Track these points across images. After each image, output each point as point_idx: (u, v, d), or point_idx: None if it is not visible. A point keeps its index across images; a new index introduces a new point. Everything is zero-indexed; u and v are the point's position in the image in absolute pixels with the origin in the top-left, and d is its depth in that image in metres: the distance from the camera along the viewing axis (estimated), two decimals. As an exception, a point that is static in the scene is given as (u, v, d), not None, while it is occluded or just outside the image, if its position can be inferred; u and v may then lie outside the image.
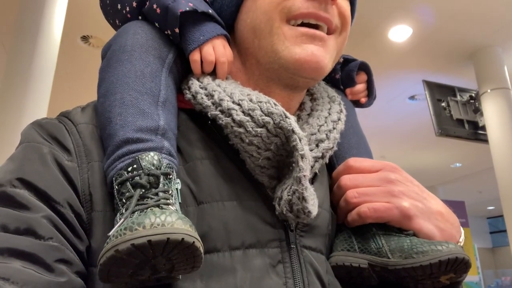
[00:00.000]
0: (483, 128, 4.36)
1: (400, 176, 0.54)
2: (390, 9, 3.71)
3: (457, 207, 5.52)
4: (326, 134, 0.53)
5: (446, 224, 0.52)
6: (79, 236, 0.42)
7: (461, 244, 0.53)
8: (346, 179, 0.54)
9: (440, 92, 4.46)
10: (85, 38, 4.07)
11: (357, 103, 0.69)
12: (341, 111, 0.58)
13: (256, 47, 0.53)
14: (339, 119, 0.56)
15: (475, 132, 4.47)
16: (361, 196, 0.52)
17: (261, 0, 0.51)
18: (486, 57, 4.26)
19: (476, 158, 6.94)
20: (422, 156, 7.42)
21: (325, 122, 0.55)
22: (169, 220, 0.37)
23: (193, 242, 0.37)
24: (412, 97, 5.31)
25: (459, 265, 0.47)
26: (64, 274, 0.39)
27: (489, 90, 4.23)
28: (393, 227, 0.51)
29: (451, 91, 4.55)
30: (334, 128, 0.55)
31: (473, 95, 4.54)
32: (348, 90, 0.68)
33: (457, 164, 7.89)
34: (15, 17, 2.90)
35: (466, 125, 4.45)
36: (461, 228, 0.55)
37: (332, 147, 0.54)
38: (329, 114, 0.56)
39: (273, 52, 0.51)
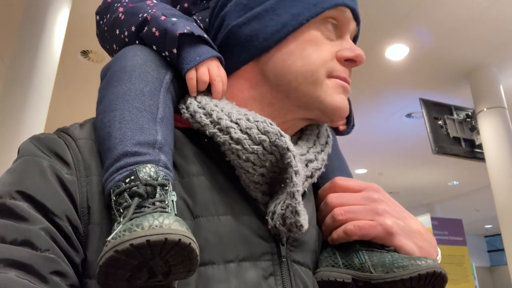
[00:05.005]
0: (480, 146, 4.38)
1: (382, 196, 0.57)
2: (387, 28, 3.77)
3: (454, 225, 5.49)
4: (315, 155, 0.57)
5: (425, 243, 0.56)
6: (75, 248, 0.43)
7: (438, 262, 0.56)
8: (332, 197, 0.57)
9: (436, 110, 4.49)
10: (85, 53, 4.11)
11: (336, 130, 0.74)
12: (328, 136, 0.62)
13: (293, 88, 0.56)
14: (326, 143, 0.60)
15: (472, 150, 4.49)
16: (347, 213, 0.54)
17: (309, 51, 0.55)
18: (482, 76, 4.31)
19: (473, 176, 6.95)
20: (419, 174, 7.43)
21: (314, 145, 0.58)
22: (166, 222, 0.38)
23: (190, 243, 0.38)
24: (409, 115, 5.34)
25: (437, 279, 0.49)
26: (58, 286, 0.39)
27: (485, 109, 4.27)
28: (375, 243, 0.54)
29: (447, 109, 4.58)
30: (322, 151, 0.58)
31: (470, 113, 4.58)
32: None
33: (454, 182, 7.90)
34: (16, 31, 2.93)
35: (463, 143, 4.47)
36: (438, 248, 0.59)
37: (320, 168, 0.57)
38: (318, 137, 0.60)
39: (315, 97, 0.56)
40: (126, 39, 0.58)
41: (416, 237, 0.55)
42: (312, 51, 0.55)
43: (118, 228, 0.39)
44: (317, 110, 0.57)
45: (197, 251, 0.40)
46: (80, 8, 3.35)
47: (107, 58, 0.59)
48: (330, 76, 0.56)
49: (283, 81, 0.56)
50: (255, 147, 0.50)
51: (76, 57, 4.15)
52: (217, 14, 0.60)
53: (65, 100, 4.83)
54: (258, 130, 0.50)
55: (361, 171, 7.30)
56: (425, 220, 5.32)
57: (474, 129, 4.47)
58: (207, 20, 0.63)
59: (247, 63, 0.58)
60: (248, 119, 0.51)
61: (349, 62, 0.58)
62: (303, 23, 0.55)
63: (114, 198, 0.43)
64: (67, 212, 0.43)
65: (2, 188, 0.42)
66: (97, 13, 0.64)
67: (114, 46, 0.61)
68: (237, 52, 0.57)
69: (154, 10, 0.57)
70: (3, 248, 0.38)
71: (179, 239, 0.37)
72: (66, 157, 0.47)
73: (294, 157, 0.49)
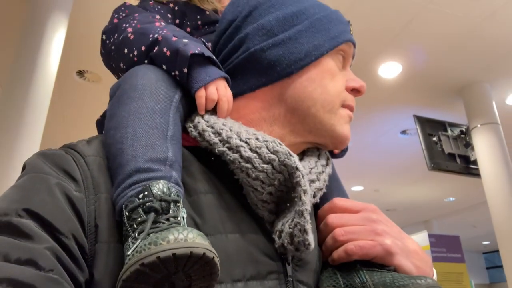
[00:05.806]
0: (475, 162, 4.41)
1: (380, 216, 0.59)
2: (380, 47, 3.83)
3: (452, 242, 5.45)
4: (317, 176, 0.58)
5: (422, 262, 0.57)
6: (80, 267, 0.43)
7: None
8: (333, 218, 0.58)
9: (431, 127, 4.53)
10: (80, 73, 4.13)
11: (331, 153, 0.76)
12: (328, 158, 0.64)
13: (311, 114, 0.59)
14: (327, 164, 0.62)
15: (467, 166, 4.52)
16: (347, 234, 0.55)
17: (327, 80, 0.60)
18: (475, 92, 4.37)
19: (469, 192, 6.96)
20: (415, 190, 7.43)
21: (315, 165, 0.60)
22: (191, 236, 0.39)
23: (213, 257, 0.40)
24: (403, 132, 5.38)
25: None
26: None
27: (479, 125, 4.31)
28: (375, 263, 0.54)
29: (442, 125, 4.62)
30: (323, 171, 0.60)
31: (464, 129, 4.62)
32: None
33: (451, 198, 7.90)
34: (12, 52, 2.94)
35: (458, 160, 4.50)
36: (434, 269, 0.60)
37: (322, 188, 0.58)
38: (318, 159, 0.62)
39: (328, 125, 0.60)
40: (135, 58, 0.59)
41: (413, 257, 0.56)
42: (329, 81, 0.60)
43: (139, 242, 0.39)
44: (328, 137, 0.60)
45: (219, 265, 0.41)
46: (77, 29, 3.38)
47: (103, 78, 0.60)
48: (343, 105, 0.61)
49: (302, 106, 0.58)
50: (265, 166, 0.51)
51: (72, 77, 4.17)
52: (232, 36, 0.62)
53: (61, 120, 4.83)
54: (268, 149, 0.51)
55: (358, 188, 7.29)
56: (422, 237, 5.29)
57: (468, 145, 4.50)
58: (209, 43, 0.65)
59: (266, 86, 0.59)
60: (257, 139, 0.52)
61: (355, 91, 0.63)
62: (323, 54, 0.59)
63: (126, 213, 0.43)
64: (74, 230, 0.43)
65: (8, 205, 0.42)
66: (103, 33, 0.65)
67: (121, 64, 0.62)
68: (257, 75, 0.59)
69: (164, 31, 0.59)
70: (6, 267, 0.37)
71: (204, 253, 0.38)
72: (74, 174, 0.47)
73: (303, 177, 0.50)
